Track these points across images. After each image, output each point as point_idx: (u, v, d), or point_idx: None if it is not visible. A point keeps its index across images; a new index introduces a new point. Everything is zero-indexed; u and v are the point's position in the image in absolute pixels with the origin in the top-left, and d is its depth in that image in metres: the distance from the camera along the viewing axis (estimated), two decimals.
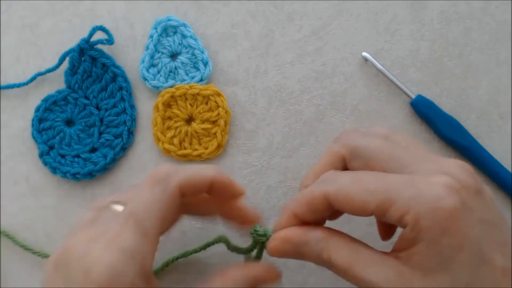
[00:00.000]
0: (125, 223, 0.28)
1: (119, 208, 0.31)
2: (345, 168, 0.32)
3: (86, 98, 0.43)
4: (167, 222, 0.31)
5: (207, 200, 0.34)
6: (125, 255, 0.27)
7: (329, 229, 0.30)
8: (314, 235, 0.29)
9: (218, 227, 0.41)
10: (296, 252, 0.30)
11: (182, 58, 0.42)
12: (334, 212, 0.30)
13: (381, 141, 0.31)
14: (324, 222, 0.32)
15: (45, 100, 0.43)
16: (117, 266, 0.27)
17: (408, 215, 0.26)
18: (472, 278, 0.26)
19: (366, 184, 0.28)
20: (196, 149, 0.42)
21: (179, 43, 0.43)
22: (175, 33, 0.43)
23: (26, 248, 0.42)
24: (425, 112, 0.41)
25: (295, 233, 0.30)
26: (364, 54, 0.41)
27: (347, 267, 0.28)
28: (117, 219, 0.29)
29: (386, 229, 0.33)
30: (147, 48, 0.42)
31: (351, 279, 0.28)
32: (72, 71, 0.43)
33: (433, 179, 0.26)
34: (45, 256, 0.42)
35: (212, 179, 0.32)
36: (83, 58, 0.42)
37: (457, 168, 0.28)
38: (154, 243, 0.29)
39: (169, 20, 0.42)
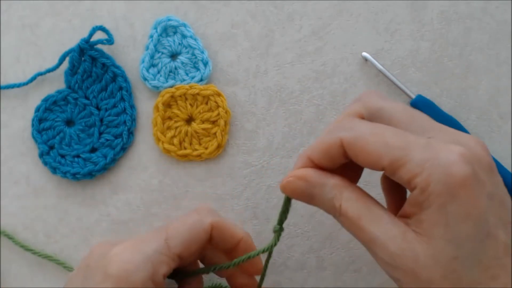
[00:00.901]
0: (154, 234, 0.32)
1: None
2: None
3: (86, 98, 0.43)
4: (191, 249, 0.32)
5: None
6: (142, 257, 0.30)
7: (346, 180, 0.30)
8: (330, 180, 0.29)
9: None
10: (308, 193, 0.30)
11: (182, 58, 0.42)
12: (351, 166, 0.30)
13: (403, 105, 0.30)
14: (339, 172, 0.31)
15: (45, 100, 0.43)
16: (133, 263, 0.29)
17: (419, 177, 0.26)
18: (475, 250, 0.26)
19: (385, 137, 0.27)
20: (196, 149, 0.42)
21: (179, 43, 0.43)
22: (175, 33, 0.43)
23: (26, 248, 0.42)
24: (425, 112, 0.41)
25: (312, 174, 0.30)
26: (364, 54, 0.41)
27: (356, 218, 0.28)
28: (149, 231, 0.32)
29: (395, 199, 0.33)
30: (147, 48, 0.42)
31: (356, 231, 0.28)
32: (72, 71, 0.43)
33: (450, 146, 0.26)
34: (45, 256, 0.42)
35: (240, 239, 0.34)
36: (83, 58, 0.42)
37: (473, 142, 0.28)
38: (173, 260, 0.31)
39: (169, 20, 0.42)
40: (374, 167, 0.27)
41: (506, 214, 0.27)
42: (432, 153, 0.26)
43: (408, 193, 0.29)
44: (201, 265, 0.37)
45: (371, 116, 0.30)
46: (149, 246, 0.31)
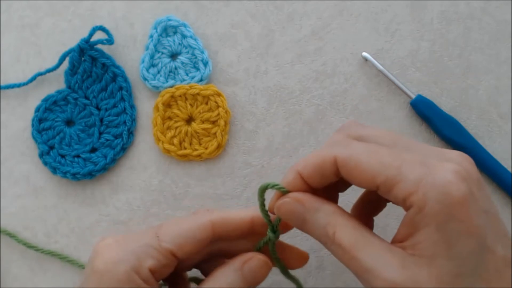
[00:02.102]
0: (147, 231, 0.32)
1: None
2: None
3: (86, 98, 0.43)
4: (187, 247, 0.31)
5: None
6: (125, 250, 0.30)
7: (341, 208, 0.29)
8: (325, 207, 0.29)
9: None
10: (303, 219, 0.29)
11: (182, 58, 0.42)
12: (338, 183, 0.29)
13: (384, 130, 0.30)
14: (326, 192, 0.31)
15: (45, 100, 0.43)
16: (116, 256, 0.30)
17: (415, 196, 0.26)
18: (477, 265, 0.26)
19: (379, 155, 0.27)
20: (196, 149, 0.42)
21: (179, 43, 0.43)
22: (175, 33, 0.43)
23: (28, 245, 0.42)
24: (425, 112, 0.41)
25: (309, 198, 0.29)
26: (364, 54, 0.41)
27: (349, 247, 0.27)
28: (145, 229, 0.33)
29: (371, 205, 0.33)
30: (147, 48, 0.42)
31: (350, 261, 0.28)
32: (72, 71, 0.43)
33: (444, 164, 0.26)
34: (48, 252, 0.42)
35: (251, 221, 0.33)
36: (83, 58, 0.42)
37: (460, 157, 0.28)
38: (164, 256, 0.31)
39: (169, 20, 0.42)
40: (368, 185, 0.27)
41: (500, 228, 0.27)
42: (427, 171, 0.26)
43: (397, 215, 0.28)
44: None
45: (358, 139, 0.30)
46: (137, 240, 0.31)
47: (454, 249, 0.25)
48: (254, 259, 0.32)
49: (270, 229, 0.32)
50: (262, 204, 0.32)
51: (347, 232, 0.28)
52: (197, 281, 0.36)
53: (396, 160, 0.27)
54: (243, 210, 0.33)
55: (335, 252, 0.28)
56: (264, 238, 0.33)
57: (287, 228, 0.33)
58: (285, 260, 0.34)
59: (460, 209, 0.25)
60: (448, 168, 0.26)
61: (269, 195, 0.31)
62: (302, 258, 0.34)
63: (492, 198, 0.28)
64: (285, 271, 0.34)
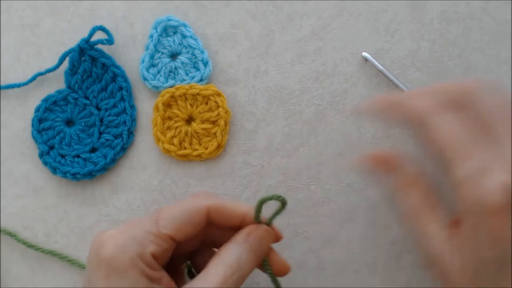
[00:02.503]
0: (146, 218, 0.33)
1: None
2: None
3: (86, 98, 0.43)
4: (184, 231, 0.33)
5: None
6: (129, 237, 0.31)
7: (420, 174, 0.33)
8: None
9: None
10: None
11: (182, 58, 0.42)
12: None
13: (498, 102, 0.31)
14: None
15: (45, 100, 0.43)
16: (120, 243, 0.31)
17: (461, 189, 0.28)
18: (495, 275, 0.27)
19: (456, 137, 0.29)
20: (196, 149, 0.42)
21: (179, 43, 0.43)
22: (175, 33, 0.43)
23: (28, 245, 0.42)
24: None
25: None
26: (364, 54, 0.41)
27: (417, 211, 0.32)
28: (143, 216, 0.34)
29: None
30: (147, 48, 0.42)
31: (415, 221, 0.31)
32: (72, 71, 0.43)
33: (498, 172, 0.27)
34: (48, 252, 0.42)
35: (244, 215, 0.34)
36: (83, 58, 0.42)
37: None
38: (164, 241, 0.32)
39: (169, 20, 0.42)
40: (436, 153, 0.30)
41: None
42: (480, 173, 0.27)
43: None
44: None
45: (456, 105, 0.31)
46: (138, 227, 0.32)
47: (479, 250, 0.27)
48: (257, 229, 0.33)
49: None
50: (257, 216, 0.33)
51: (418, 197, 0.32)
52: (191, 272, 0.37)
53: (466, 148, 0.29)
54: (240, 204, 0.34)
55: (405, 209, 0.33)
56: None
57: (277, 239, 0.35)
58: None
59: (492, 218, 0.27)
60: (499, 177, 0.27)
61: (266, 207, 0.33)
62: (284, 268, 0.35)
63: None
64: (274, 278, 0.35)
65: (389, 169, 0.33)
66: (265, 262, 0.34)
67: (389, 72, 0.42)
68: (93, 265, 0.31)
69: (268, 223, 0.34)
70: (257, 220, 0.33)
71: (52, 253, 0.42)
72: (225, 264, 0.31)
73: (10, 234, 0.42)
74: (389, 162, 0.33)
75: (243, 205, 0.34)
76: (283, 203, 0.33)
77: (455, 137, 0.29)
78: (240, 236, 0.33)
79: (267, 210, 0.33)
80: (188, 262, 0.37)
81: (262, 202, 0.32)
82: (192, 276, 0.37)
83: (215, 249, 0.36)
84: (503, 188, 0.26)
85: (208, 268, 0.31)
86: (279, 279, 0.35)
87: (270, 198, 0.32)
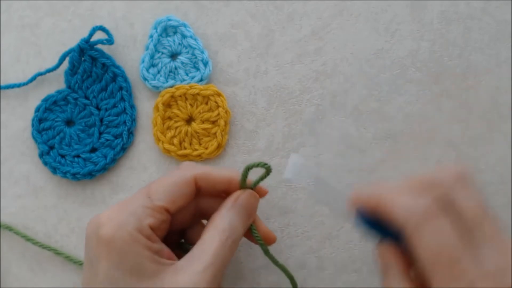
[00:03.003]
0: (137, 194, 0.34)
1: None
2: None
3: (86, 98, 0.43)
4: (176, 201, 0.34)
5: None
6: (126, 214, 0.32)
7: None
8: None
9: None
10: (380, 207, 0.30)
11: (182, 58, 0.42)
12: None
13: (474, 204, 0.28)
14: None
15: (45, 100, 0.43)
16: (118, 221, 0.31)
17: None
18: None
19: (442, 253, 0.27)
20: (196, 149, 0.42)
21: (179, 43, 0.43)
22: (175, 33, 0.43)
23: (28, 238, 0.42)
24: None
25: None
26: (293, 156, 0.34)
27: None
28: (134, 193, 0.34)
29: None
30: (147, 48, 0.42)
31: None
32: (72, 71, 0.43)
33: None
34: (47, 247, 0.42)
35: (229, 179, 0.35)
36: (83, 58, 0.42)
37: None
38: (159, 212, 0.33)
39: (169, 20, 0.42)
40: (421, 270, 0.28)
41: None
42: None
43: None
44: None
45: (443, 206, 0.28)
46: (133, 203, 0.33)
47: None
48: (243, 193, 0.35)
49: None
50: (244, 182, 0.35)
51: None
52: (184, 247, 0.37)
53: (450, 264, 0.26)
54: (224, 170, 0.36)
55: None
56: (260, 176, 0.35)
57: (262, 195, 0.37)
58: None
59: None
60: None
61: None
62: (270, 236, 0.37)
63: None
64: (263, 245, 0.36)
65: (387, 272, 0.30)
66: (253, 231, 0.36)
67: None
68: (93, 247, 0.31)
69: (252, 187, 0.36)
70: (243, 185, 0.35)
71: (49, 249, 0.42)
72: (219, 230, 0.33)
73: (10, 229, 0.42)
74: (394, 262, 0.30)
75: (228, 171, 0.36)
76: (268, 170, 0.34)
77: (439, 253, 0.26)
78: (229, 202, 0.34)
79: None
80: (182, 240, 0.37)
81: (248, 169, 0.34)
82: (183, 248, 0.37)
83: (206, 221, 0.37)
84: None
85: (204, 236, 0.33)
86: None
87: (257, 165, 0.34)
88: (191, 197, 0.34)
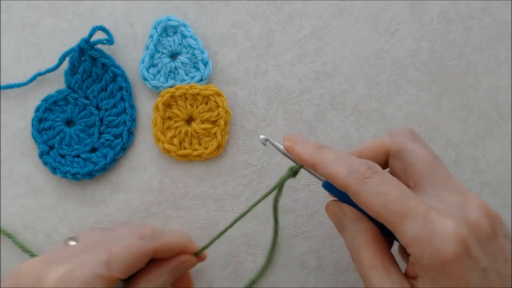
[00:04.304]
0: (94, 255, 0.32)
1: (73, 243, 0.36)
2: (385, 160, 0.33)
3: (86, 98, 0.43)
4: (132, 271, 0.34)
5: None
6: (78, 282, 0.30)
7: (375, 228, 0.31)
8: (363, 223, 0.31)
9: (218, 227, 0.41)
10: (342, 224, 0.32)
11: (182, 58, 0.42)
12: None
13: (429, 155, 0.31)
14: None
15: (45, 100, 0.43)
16: (66, 280, 0.30)
17: (412, 248, 0.27)
18: None
19: (387, 200, 0.28)
20: (196, 149, 0.42)
21: (179, 43, 0.43)
22: (175, 33, 0.43)
23: (24, 249, 0.42)
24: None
25: (351, 210, 0.32)
26: (262, 137, 0.35)
27: (367, 267, 0.29)
28: (88, 249, 0.34)
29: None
30: (147, 48, 0.42)
31: (363, 279, 0.30)
32: (72, 71, 0.43)
33: (446, 222, 0.27)
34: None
35: (184, 246, 0.37)
36: (83, 58, 0.42)
37: (476, 209, 0.29)
38: (113, 282, 0.32)
39: (169, 20, 0.42)
40: (375, 218, 0.29)
41: (503, 286, 0.28)
42: (427, 227, 0.27)
43: None
44: None
45: (396, 154, 0.32)
46: (88, 269, 0.31)
47: None
48: (184, 259, 0.37)
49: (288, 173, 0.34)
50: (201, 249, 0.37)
51: (370, 253, 0.30)
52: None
53: (401, 208, 0.28)
54: (180, 237, 0.37)
55: (355, 263, 0.31)
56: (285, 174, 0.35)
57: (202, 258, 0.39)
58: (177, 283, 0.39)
59: (451, 267, 0.27)
60: (449, 227, 0.27)
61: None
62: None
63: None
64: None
65: (342, 225, 0.32)
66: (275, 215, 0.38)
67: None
68: None
69: (197, 253, 0.37)
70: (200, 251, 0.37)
71: None
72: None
73: (9, 236, 0.42)
74: (344, 215, 0.32)
75: (183, 237, 0.37)
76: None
77: (387, 200, 0.28)
78: (169, 266, 0.36)
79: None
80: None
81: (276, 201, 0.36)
82: None
83: None
84: (455, 236, 0.27)
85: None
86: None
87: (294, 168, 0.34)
88: (144, 264, 0.35)
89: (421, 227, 0.27)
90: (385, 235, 0.31)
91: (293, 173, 0.34)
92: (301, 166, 0.33)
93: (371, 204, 0.28)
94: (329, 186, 0.33)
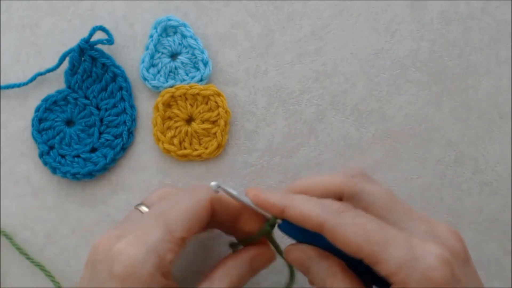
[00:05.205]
0: (154, 222, 0.31)
1: (145, 209, 0.36)
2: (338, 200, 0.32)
3: (86, 98, 0.43)
4: (194, 229, 0.32)
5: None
6: (146, 250, 0.29)
7: (342, 264, 0.31)
8: (329, 261, 0.31)
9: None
10: (307, 267, 0.32)
11: (182, 58, 0.42)
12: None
13: (384, 191, 0.31)
14: None
15: (45, 100, 0.43)
16: (137, 258, 0.29)
17: (397, 276, 0.27)
18: None
19: (366, 230, 0.28)
20: (196, 149, 0.42)
21: (179, 43, 0.43)
22: (175, 33, 0.43)
23: (21, 252, 0.42)
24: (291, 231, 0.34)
25: (315, 251, 0.31)
26: (213, 183, 0.34)
27: None
28: (149, 219, 0.32)
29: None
30: (147, 48, 0.42)
31: None
32: (72, 71, 0.43)
33: (427, 246, 0.27)
34: (37, 264, 0.41)
35: (240, 205, 0.34)
36: (83, 58, 0.42)
37: (448, 234, 0.29)
38: (178, 245, 0.31)
39: (169, 20, 0.42)
40: (354, 255, 0.28)
41: None
42: (411, 254, 0.27)
43: None
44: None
45: (351, 197, 0.32)
46: (152, 236, 0.30)
47: None
48: (261, 254, 0.35)
49: (267, 224, 0.33)
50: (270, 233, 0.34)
51: (343, 283, 0.30)
52: (235, 246, 0.36)
53: (382, 236, 0.28)
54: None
55: None
56: (262, 229, 0.34)
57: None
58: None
59: None
60: (432, 251, 0.27)
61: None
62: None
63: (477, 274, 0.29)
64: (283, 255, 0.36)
65: (307, 268, 0.32)
66: (276, 246, 0.36)
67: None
68: (102, 281, 0.29)
69: (271, 240, 0.35)
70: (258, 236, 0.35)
71: (40, 267, 0.41)
72: (228, 277, 0.33)
73: (7, 237, 0.42)
74: (308, 258, 0.32)
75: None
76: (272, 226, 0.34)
77: (367, 230, 0.28)
78: (244, 257, 0.34)
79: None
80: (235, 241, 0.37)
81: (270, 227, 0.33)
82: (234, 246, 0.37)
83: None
84: (441, 259, 0.27)
85: (213, 278, 0.32)
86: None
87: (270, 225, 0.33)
88: (207, 221, 0.33)
89: (405, 253, 0.27)
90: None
91: (269, 227, 0.33)
92: (275, 219, 0.32)
93: (350, 237, 0.28)
94: (287, 227, 0.32)
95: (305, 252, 0.31)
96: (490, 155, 0.42)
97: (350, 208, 0.30)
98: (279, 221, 0.32)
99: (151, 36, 0.42)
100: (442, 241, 0.28)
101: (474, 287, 0.28)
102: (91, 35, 0.42)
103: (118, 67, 0.43)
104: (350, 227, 0.28)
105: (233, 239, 0.37)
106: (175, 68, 0.42)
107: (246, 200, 0.33)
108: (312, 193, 0.32)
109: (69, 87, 0.43)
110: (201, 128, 0.42)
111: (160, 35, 0.43)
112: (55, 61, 0.43)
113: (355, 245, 0.28)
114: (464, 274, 0.28)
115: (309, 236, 0.31)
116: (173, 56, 0.43)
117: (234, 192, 0.33)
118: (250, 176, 0.42)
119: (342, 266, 0.30)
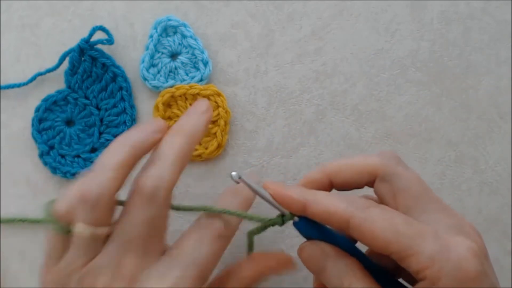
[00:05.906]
0: (189, 273, 0.30)
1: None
2: (367, 182, 0.32)
3: (86, 98, 0.43)
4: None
5: None
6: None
7: (359, 263, 0.30)
8: (346, 259, 0.30)
9: None
10: (323, 266, 0.30)
11: (182, 58, 0.42)
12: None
13: (417, 177, 0.31)
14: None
15: (45, 100, 0.43)
16: None
17: (429, 270, 0.26)
18: None
19: (395, 224, 0.27)
20: (196, 149, 0.42)
21: (179, 43, 0.43)
22: (175, 33, 0.43)
23: (24, 220, 0.41)
24: (310, 230, 0.32)
25: (332, 248, 0.30)
26: (234, 173, 0.33)
27: None
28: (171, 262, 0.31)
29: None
30: (147, 48, 0.42)
31: None
32: (72, 71, 0.43)
33: (457, 239, 0.27)
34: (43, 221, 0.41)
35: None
36: (83, 58, 0.42)
37: (473, 231, 0.29)
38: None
39: (169, 20, 0.42)
40: (381, 251, 0.27)
41: None
42: (442, 246, 0.26)
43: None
44: None
45: (385, 179, 0.31)
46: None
47: None
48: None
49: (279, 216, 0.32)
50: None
51: (364, 283, 0.28)
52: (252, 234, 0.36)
53: (411, 230, 0.27)
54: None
55: None
56: (273, 220, 0.33)
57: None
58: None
59: (472, 283, 0.26)
60: (463, 243, 0.27)
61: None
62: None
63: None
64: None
65: (322, 267, 0.30)
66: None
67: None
68: None
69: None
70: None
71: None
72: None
73: (9, 220, 0.41)
74: (324, 255, 0.30)
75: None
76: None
77: (396, 223, 0.27)
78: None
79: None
80: None
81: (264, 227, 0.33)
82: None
83: None
84: (472, 252, 0.26)
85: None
86: None
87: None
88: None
89: (436, 246, 0.26)
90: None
91: (282, 221, 0.32)
92: (293, 216, 0.31)
93: (378, 232, 0.27)
94: (303, 225, 0.31)
95: (323, 249, 0.30)
96: (490, 155, 0.42)
97: (375, 204, 0.29)
98: (296, 218, 0.31)
99: (151, 36, 0.42)
100: (469, 236, 0.28)
101: (495, 283, 0.28)
102: (91, 35, 0.42)
103: (118, 67, 0.43)
104: (378, 222, 0.27)
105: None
106: (175, 68, 0.42)
107: (266, 194, 0.32)
108: (346, 173, 0.31)
109: (69, 87, 0.43)
110: None
111: (160, 35, 0.43)
112: (55, 61, 0.43)
113: (383, 240, 0.27)
114: (489, 268, 0.27)
115: (326, 235, 0.30)
116: (173, 56, 0.43)
117: (255, 186, 0.32)
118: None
119: (360, 266, 0.29)
